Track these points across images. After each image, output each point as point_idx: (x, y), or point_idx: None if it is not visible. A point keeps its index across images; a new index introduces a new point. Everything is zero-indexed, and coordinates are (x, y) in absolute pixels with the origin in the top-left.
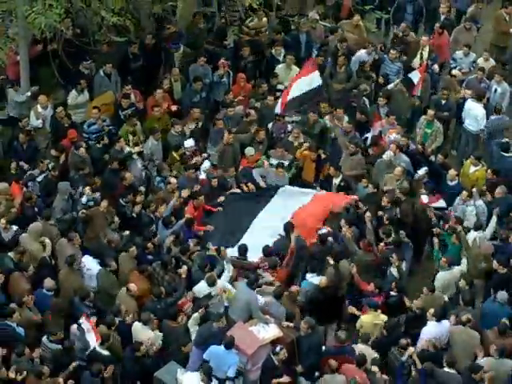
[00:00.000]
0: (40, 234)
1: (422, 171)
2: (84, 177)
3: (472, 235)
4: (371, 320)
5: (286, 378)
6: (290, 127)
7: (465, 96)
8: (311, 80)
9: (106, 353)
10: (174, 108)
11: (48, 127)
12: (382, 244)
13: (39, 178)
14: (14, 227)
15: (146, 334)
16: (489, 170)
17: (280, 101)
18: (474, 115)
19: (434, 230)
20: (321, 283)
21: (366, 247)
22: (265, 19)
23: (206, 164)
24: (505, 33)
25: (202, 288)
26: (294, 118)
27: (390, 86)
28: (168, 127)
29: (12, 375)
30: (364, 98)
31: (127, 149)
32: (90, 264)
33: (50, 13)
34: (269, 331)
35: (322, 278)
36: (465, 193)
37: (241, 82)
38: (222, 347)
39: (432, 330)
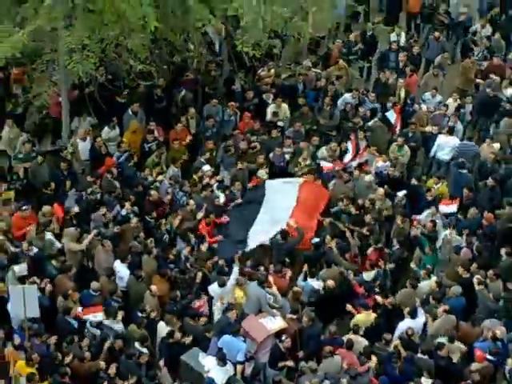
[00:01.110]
0: (76, 236)
1: (401, 193)
2: (115, 197)
3: (443, 234)
4: (365, 318)
5: (289, 362)
6: (287, 157)
7: (432, 131)
8: None
9: (145, 351)
10: (188, 139)
11: (83, 156)
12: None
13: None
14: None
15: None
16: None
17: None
18: (449, 146)
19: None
20: (328, 284)
21: (351, 258)
22: (273, 70)
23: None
24: (470, 79)
25: (214, 288)
26: (290, 149)
27: (370, 123)
28: (184, 157)
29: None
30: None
31: (150, 178)
32: (120, 268)
33: (87, 62)
34: (275, 323)
35: (328, 282)
36: (433, 209)
37: (246, 119)
38: (232, 336)
39: (407, 325)
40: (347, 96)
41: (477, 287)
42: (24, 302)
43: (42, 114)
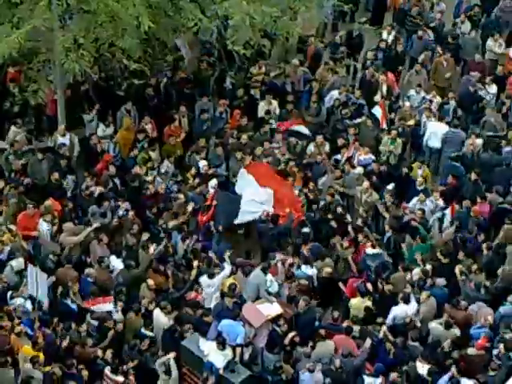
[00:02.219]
0: (73, 230)
1: (390, 186)
2: (113, 193)
3: (432, 217)
4: (359, 303)
5: (291, 333)
6: (276, 152)
7: (420, 121)
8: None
9: (150, 334)
10: (182, 136)
11: (68, 152)
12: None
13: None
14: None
15: (163, 318)
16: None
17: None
18: (440, 133)
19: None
20: (325, 271)
21: (350, 243)
22: (263, 68)
23: (214, 181)
24: (444, 77)
25: (204, 279)
26: (275, 144)
27: (357, 121)
28: (179, 152)
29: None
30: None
31: (142, 173)
32: (115, 263)
33: (82, 61)
34: (272, 309)
35: (326, 269)
36: (422, 196)
37: (237, 117)
38: (231, 320)
39: (400, 310)
40: (335, 93)
41: (459, 277)
42: (36, 285)
43: (38, 112)
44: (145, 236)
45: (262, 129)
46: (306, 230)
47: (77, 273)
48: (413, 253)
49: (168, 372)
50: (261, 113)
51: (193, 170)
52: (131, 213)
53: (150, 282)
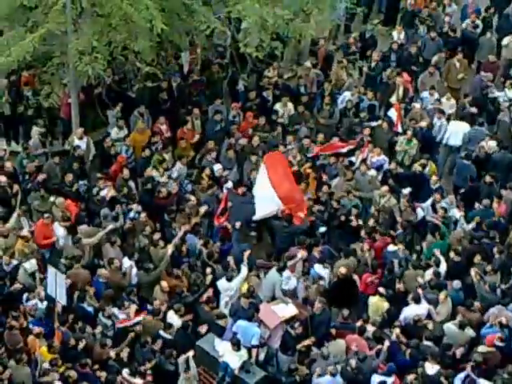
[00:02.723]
0: (88, 232)
1: (406, 191)
2: (126, 196)
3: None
4: (376, 301)
5: (309, 340)
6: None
7: (433, 123)
8: None
9: (168, 336)
10: (196, 138)
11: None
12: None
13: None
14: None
15: (177, 321)
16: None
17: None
18: (461, 132)
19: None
20: (340, 271)
21: (370, 245)
22: (276, 71)
23: (229, 183)
24: (455, 78)
25: (222, 282)
26: (289, 147)
27: (373, 124)
28: (191, 154)
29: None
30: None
31: (155, 175)
32: (127, 264)
33: (96, 63)
34: (288, 310)
35: (341, 269)
36: (437, 195)
37: (249, 119)
38: (247, 321)
39: (410, 310)
40: (347, 94)
41: (474, 279)
42: (55, 285)
43: (52, 115)
44: (157, 236)
45: (274, 131)
46: (322, 229)
47: (89, 274)
48: (431, 250)
49: (188, 368)
50: (279, 113)
51: (207, 171)
52: (143, 215)
53: (164, 284)
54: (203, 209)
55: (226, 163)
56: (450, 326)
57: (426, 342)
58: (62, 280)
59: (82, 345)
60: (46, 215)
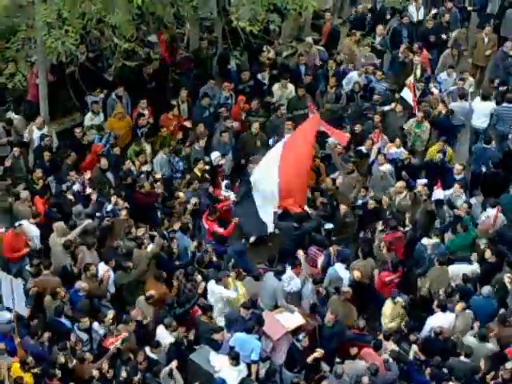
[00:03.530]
0: (63, 230)
1: (421, 181)
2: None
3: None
4: (392, 308)
5: (318, 353)
6: None
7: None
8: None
9: (155, 357)
10: (188, 124)
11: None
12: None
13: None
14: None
15: (169, 338)
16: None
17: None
18: (485, 113)
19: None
20: (354, 275)
21: (389, 246)
22: (274, 48)
23: (226, 182)
24: (482, 54)
25: (212, 285)
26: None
27: (386, 108)
28: (173, 142)
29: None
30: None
31: (134, 169)
32: (103, 271)
33: (67, 38)
34: (293, 319)
35: (355, 272)
36: (457, 186)
37: (240, 103)
38: (245, 333)
39: (436, 320)
40: (354, 74)
41: (509, 286)
42: (13, 294)
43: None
44: (140, 232)
45: (277, 112)
46: (328, 226)
47: (59, 282)
48: (453, 243)
49: (171, 376)
50: (277, 96)
51: (200, 164)
52: (124, 212)
53: (151, 293)
54: (191, 205)
55: (221, 149)
56: (469, 338)
57: (450, 361)
58: (20, 288)
59: (61, 359)
60: (16, 224)
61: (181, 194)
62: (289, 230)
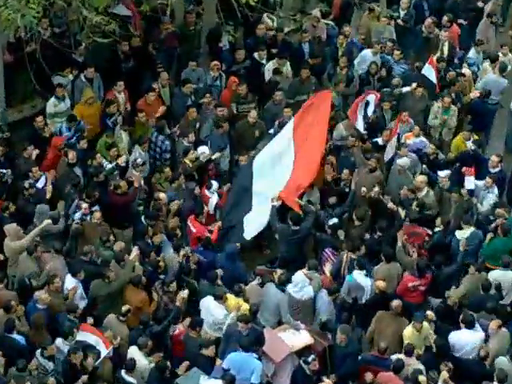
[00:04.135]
0: (17, 233)
1: (443, 173)
2: (80, 192)
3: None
4: (412, 335)
5: (330, 380)
6: None
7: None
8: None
9: (133, 380)
10: (161, 110)
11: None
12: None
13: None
14: None
15: (143, 361)
16: None
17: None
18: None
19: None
20: (377, 285)
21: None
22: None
23: (215, 184)
24: None
25: (208, 301)
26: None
27: (404, 89)
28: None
29: None
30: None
31: (106, 163)
32: (70, 284)
33: (27, 10)
34: (299, 338)
35: (378, 282)
36: (489, 179)
37: (232, 87)
38: (243, 352)
39: (463, 338)
40: (367, 53)
41: None
42: None
43: None
44: (119, 246)
45: (275, 96)
46: (333, 221)
47: (15, 296)
48: (490, 247)
49: None
50: (267, 75)
51: (191, 155)
52: (98, 214)
53: (126, 307)
54: (176, 205)
55: (218, 141)
56: (503, 360)
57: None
58: None
59: None
60: None
61: (161, 195)
62: (287, 234)
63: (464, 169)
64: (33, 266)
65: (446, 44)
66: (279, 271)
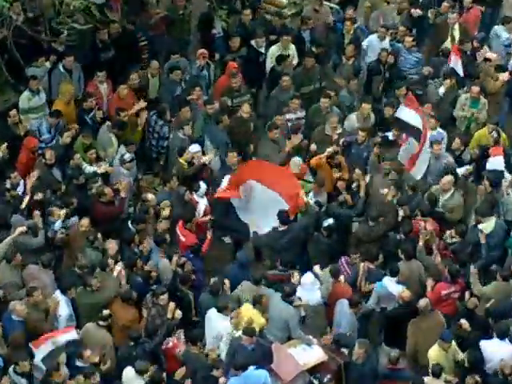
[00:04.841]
0: None
1: (462, 169)
2: (61, 197)
3: None
4: (439, 355)
5: None
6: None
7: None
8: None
9: None
10: (140, 105)
11: None
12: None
13: None
14: None
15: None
16: None
17: None
18: None
19: None
20: (402, 296)
21: (441, 252)
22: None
23: (203, 187)
24: None
25: (212, 314)
26: (299, 114)
27: (441, 91)
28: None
29: None
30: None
31: (86, 166)
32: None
33: None
34: (311, 354)
35: (402, 289)
36: None
37: (231, 74)
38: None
39: (492, 347)
40: (373, 39)
41: None
42: None
43: None
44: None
45: (282, 82)
46: (328, 222)
47: None
48: None
49: None
50: (269, 62)
51: (187, 154)
52: (85, 221)
53: (105, 312)
54: (167, 210)
55: (220, 136)
56: None
57: None
58: None
59: None
60: None
61: (149, 196)
62: (275, 237)
63: (491, 149)
64: (11, 275)
65: (457, 28)
66: (296, 274)
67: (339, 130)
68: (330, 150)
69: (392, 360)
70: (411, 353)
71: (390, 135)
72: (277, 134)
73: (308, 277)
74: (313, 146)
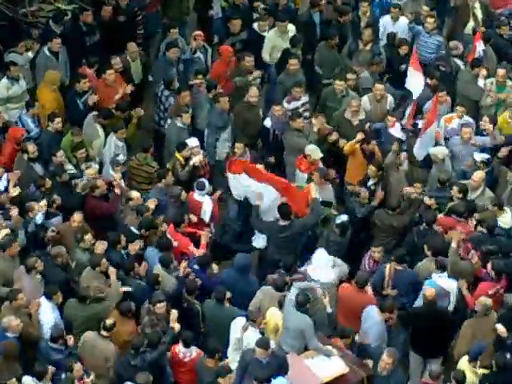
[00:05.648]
0: None
1: (479, 157)
2: (46, 194)
3: None
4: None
5: None
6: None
7: None
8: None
9: None
10: (128, 89)
11: None
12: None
13: None
14: None
15: None
16: None
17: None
18: None
19: None
20: (427, 294)
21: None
22: None
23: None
24: None
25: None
26: (304, 99)
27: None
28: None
29: None
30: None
31: (70, 167)
32: (45, 309)
33: None
34: (331, 366)
35: (427, 291)
36: None
37: (227, 58)
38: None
39: None
40: (387, 20)
41: None
42: None
43: None
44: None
45: (289, 65)
46: (341, 219)
47: None
48: None
49: None
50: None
51: (185, 151)
52: (77, 217)
53: (109, 321)
54: (152, 203)
55: (217, 120)
56: None
57: None
58: None
59: None
60: None
61: (134, 194)
62: (274, 230)
63: None
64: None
65: (477, 6)
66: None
67: (362, 116)
68: (359, 136)
69: (433, 375)
70: (460, 355)
71: (420, 123)
72: (301, 122)
73: (321, 252)
74: (335, 135)
